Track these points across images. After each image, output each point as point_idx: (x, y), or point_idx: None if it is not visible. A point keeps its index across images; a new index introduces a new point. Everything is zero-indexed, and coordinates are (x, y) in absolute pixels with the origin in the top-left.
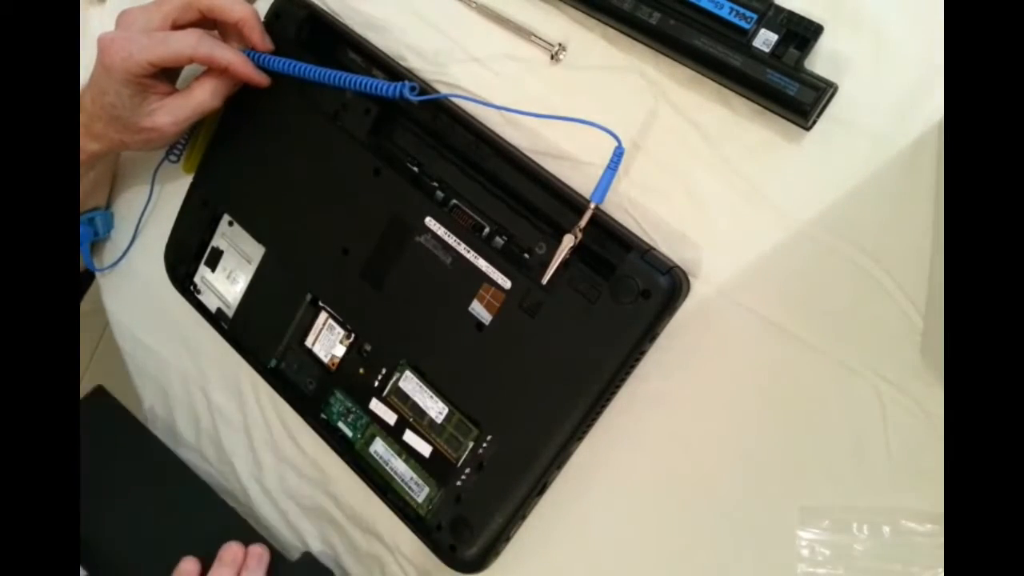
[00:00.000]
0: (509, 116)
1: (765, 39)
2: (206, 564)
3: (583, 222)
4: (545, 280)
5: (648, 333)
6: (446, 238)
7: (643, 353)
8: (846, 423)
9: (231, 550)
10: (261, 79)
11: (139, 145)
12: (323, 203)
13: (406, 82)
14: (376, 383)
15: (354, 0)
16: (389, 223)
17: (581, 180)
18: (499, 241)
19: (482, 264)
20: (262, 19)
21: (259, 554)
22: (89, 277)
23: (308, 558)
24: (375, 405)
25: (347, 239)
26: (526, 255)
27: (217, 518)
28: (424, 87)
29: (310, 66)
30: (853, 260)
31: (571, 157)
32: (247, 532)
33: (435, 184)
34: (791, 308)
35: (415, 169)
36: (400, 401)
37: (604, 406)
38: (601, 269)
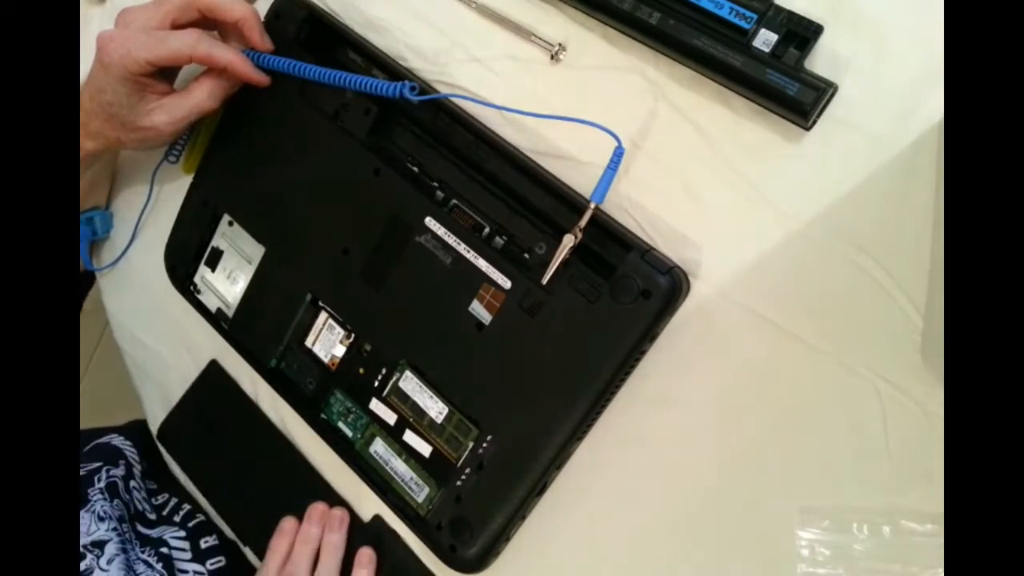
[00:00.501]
0: (509, 116)
1: (765, 39)
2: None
3: (583, 222)
4: (545, 280)
5: (648, 333)
6: (446, 238)
7: (643, 353)
8: (846, 423)
9: (318, 509)
10: (261, 78)
11: (136, 144)
12: (323, 203)
13: (406, 82)
14: (376, 383)
15: (354, 0)
16: (389, 223)
17: (581, 180)
18: (499, 241)
19: (482, 264)
20: (262, 19)
21: (340, 517)
22: (90, 278)
23: (378, 520)
24: (375, 405)
25: (347, 239)
26: (526, 255)
27: (307, 479)
28: (424, 87)
29: (310, 66)
30: (853, 260)
31: (571, 157)
32: (330, 494)
33: (435, 184)
34: (791, 308)
35: (415, 169)
36: (400, 401)
37: (604, 406)
38: (601, 269)
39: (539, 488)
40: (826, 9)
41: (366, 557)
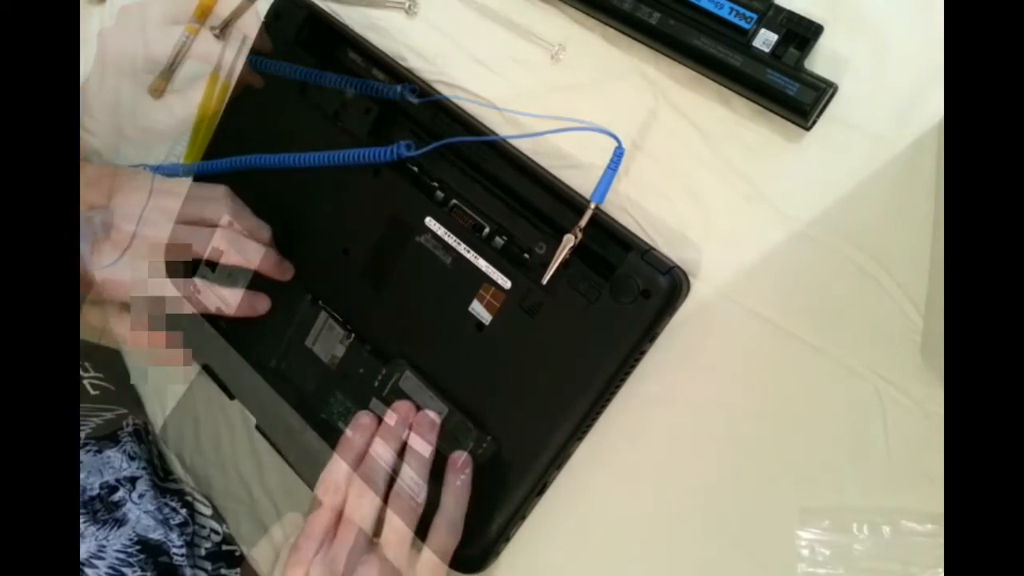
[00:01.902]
0: (509, 116)
1: (765, 39)
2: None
3: (583, 222)
4: (545, 280)
5: (648, 333)
6: (446, 238)
7: (643, 353)
8: (846, 423)
9: (404, 406)
10: (283, 274)
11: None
12: (323, 203)
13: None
14: (376, 383)
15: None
16: (389, 223)
17: (581, 180)
18: (499, 241)
19: (482, 264)
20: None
21: (431, 421)
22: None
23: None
24: (375, 405)
25: (347, 239)
26: (526, 255)
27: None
28: (424, 88)
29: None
30: (853, 260)
31: (571, 157)
32: None
33: (435, 184)
34: (791, 308)
35: (415, 169)
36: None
37: (604, 406)
38: (601, 269)
39: (539, 488)
40: (826, 9)
41: (461, 460)
